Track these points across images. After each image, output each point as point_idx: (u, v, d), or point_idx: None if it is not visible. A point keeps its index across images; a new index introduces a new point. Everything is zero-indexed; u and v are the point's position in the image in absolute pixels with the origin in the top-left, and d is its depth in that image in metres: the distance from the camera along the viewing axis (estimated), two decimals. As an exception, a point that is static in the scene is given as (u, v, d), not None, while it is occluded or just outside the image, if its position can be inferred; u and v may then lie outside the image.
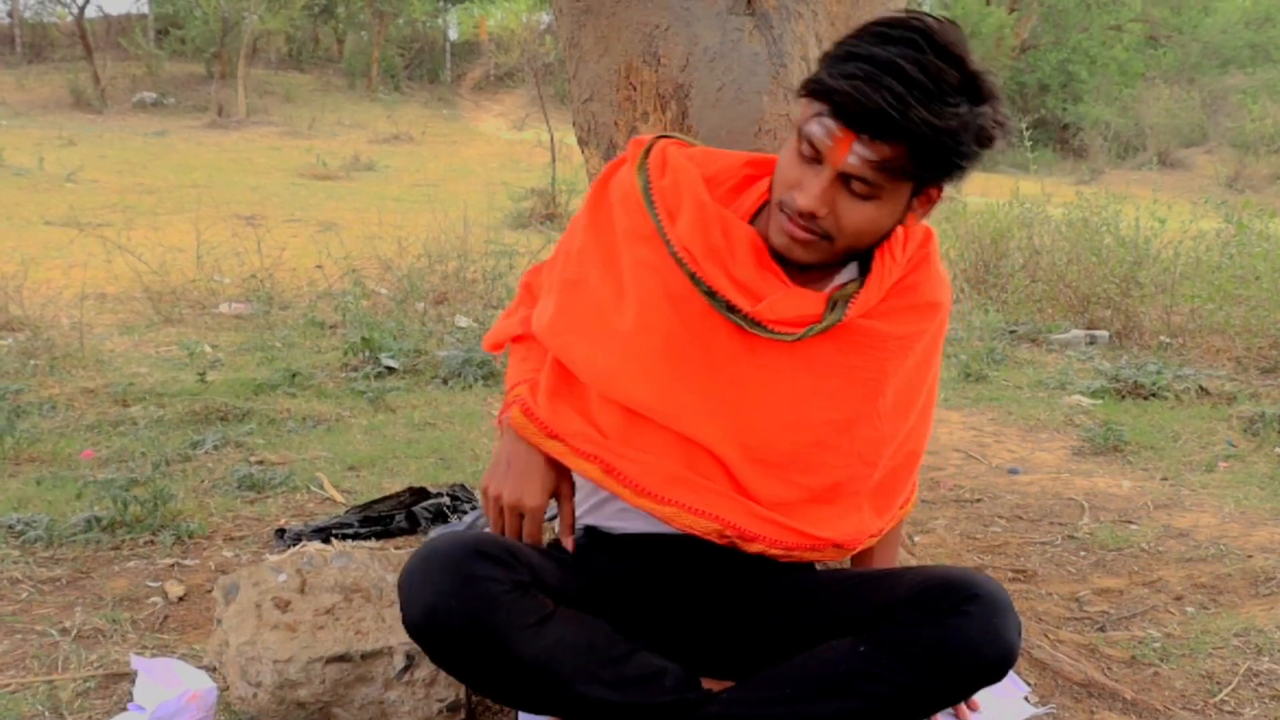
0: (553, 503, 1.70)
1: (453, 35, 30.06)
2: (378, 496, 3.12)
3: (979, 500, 3.42)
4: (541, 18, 21.32)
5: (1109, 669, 2.22)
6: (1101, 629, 2.45)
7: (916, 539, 2.91)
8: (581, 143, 2.32)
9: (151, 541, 2.81)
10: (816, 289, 1.65)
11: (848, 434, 1.68)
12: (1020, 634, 1.55)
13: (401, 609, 1.50)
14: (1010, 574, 2.78)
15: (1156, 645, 2.35)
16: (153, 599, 2.47)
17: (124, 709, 1.93)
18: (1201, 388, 4.89)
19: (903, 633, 1.54)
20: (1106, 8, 26.02)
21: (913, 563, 2.40)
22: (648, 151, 1.71)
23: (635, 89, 2.15)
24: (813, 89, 1.49)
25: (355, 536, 2.78)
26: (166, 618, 2.38)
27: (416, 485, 3.15)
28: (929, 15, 1.46)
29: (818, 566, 1.80)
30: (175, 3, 25.93)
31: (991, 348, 5.75)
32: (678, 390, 1.63)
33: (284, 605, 1.93)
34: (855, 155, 1.47)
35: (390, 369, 4.98)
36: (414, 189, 14.18)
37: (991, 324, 6.25)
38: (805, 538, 1.67)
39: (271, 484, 3.30)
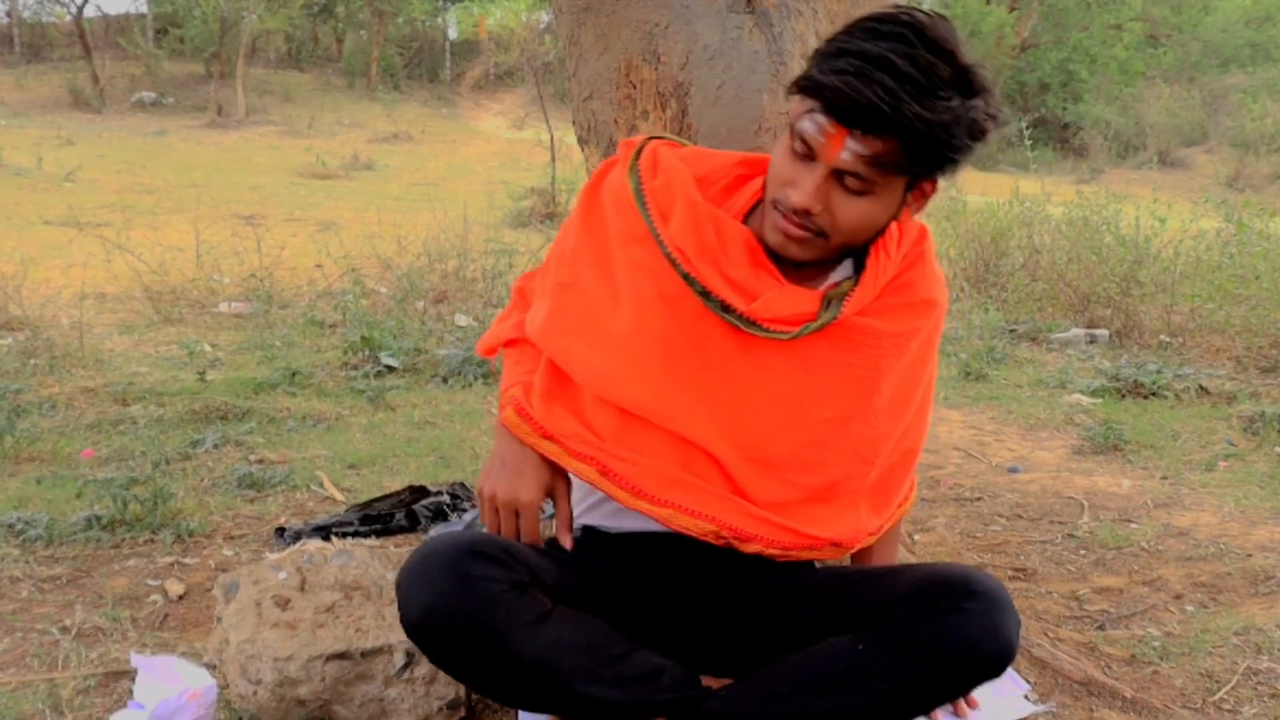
0: (549, 502, 1.70)
1: (452, 34, 30.06)
2: (378, 495, 3.12)
3: (979, 499, 3.42)
4: (541, 16, 21.32)
5: (1109, 667, 2.23)
6: (1101, 627, 2.46)
7: (916, 537, 2.91)
8: (581, 141, 2.32)
9: (151, 540, 2.81)
10: (811, 287, 1.65)
11: (844, 432, 1.68)
12: (1019, 631, 1.55)
13: (400, 610, 1.50)
14: (1010, 572, 2.78)
15: (1156, 644, 2.35)
16: (153, 597, 2.47)
17: (124, 707, 1.93)
18: (1201, 387, 4.89)
19: (902, 629, 1.54)
20: (1107, 7, 26.02)
21: (912, 561, 2.40)
22: (639, 153, 1.70)
23: (635, 87, 2.15)
24: (804, 86, 1.49)
25: (355, 535, 2.78)
26: (167, 616, 2.38)
27: (416, 484, 3.15)
28: (919, 10, 1.46)
29: (817, 564, 1.80)
30: (174, 2, 25.90)
31: (991, 346, 5.75)
32: (674, 391, 1.63)
33: (284, 603, 1.93)
34: (848, 151, 1.47)
35: (390, 368, 4.98)
36: (413, 188, 14.18)
37: (991, 323, 6.25)
38: (802, 537, 1.67)
39: (271, 482, 3.30)
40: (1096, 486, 3.56)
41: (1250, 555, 2.90)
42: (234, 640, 1.90)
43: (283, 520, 3.01)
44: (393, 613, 1.87)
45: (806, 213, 1.52)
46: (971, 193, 9.66)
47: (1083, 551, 2.96)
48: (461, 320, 6.15)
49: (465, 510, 2.98)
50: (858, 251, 1.66)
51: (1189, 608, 2.59)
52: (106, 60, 23.79)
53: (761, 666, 1.65)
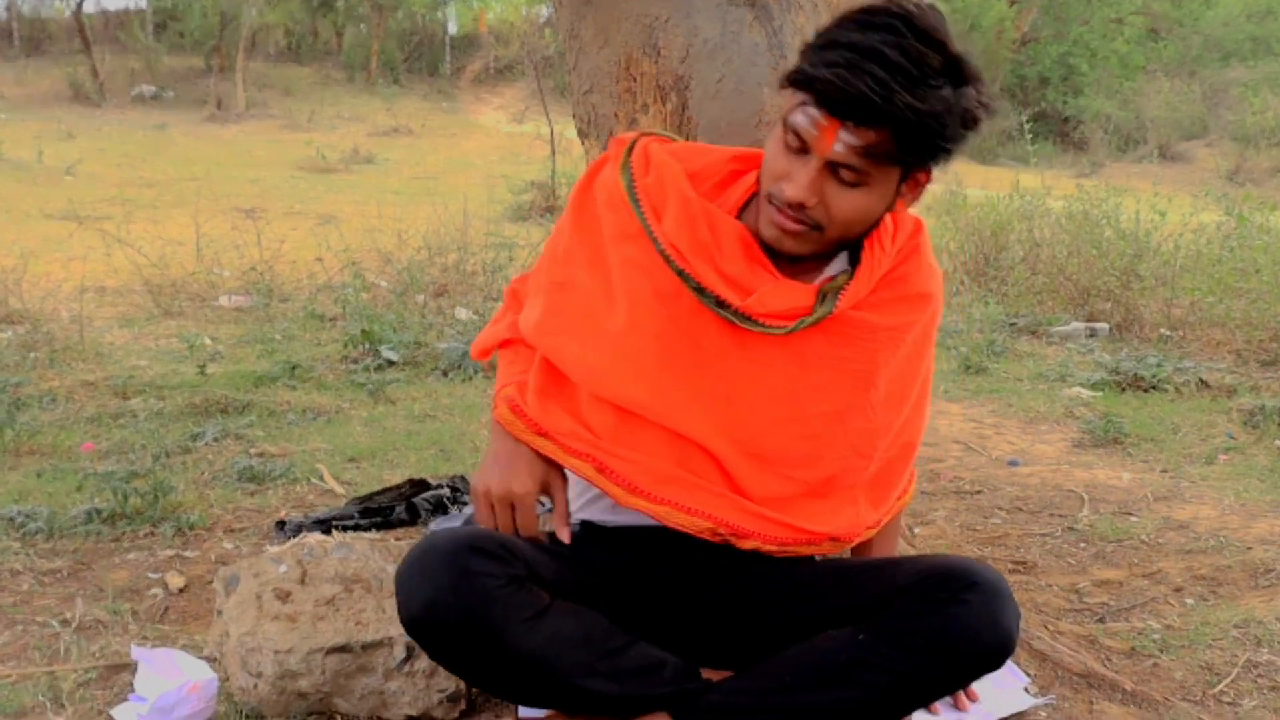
0: (547, 498, 1.70)
1: (452, 28, 29.99)
2: (378, 488, 3.12)
3: (979, 492, 3.42)
4: (541, 10, 21.31)
5: (1109, 660, 2.23)
6: (1101, 620, 2.46)
7: (916, 530, 2.91)
8: (581, 135, 2.32)
9: (152, 533, 2.81)
10: (806, 281, 1.64)
11: (840, 426, 1.68)
12: (1019, 622, 1.55)
13: (399, 606, 1.51)
14: (1010, 565, 2.78)
15: (1156, 637, 2.36)
16: (153, 590, 2.47)
17: (125, 700, 1.93)
18: (1201, 380, 4.89)
19: (902, 622, 1.55)
20: (1107, 1, 25.98)
21: (912, 554, 2.40)
22: (630, 150, 1.70)
23: (635, 81, 2.14)
24: (796, 79, 1.49)
25: (355, 528, 2.78)
26: (167, 609, 2.38)
27: (417, 477, 3.15)
28: (909, 1, 1.46)
29: (816, 558, 1.80)
30: (173, -4, 25.89)
31: (991, 340, 5.75)
32: (669, 387, 1.62)
33: (284, 596, 1.93)
34: (841, 143, 1.47)
35: (390, 361, 4.98)
36: (413, 182, 14.17)
37: (991, 316, 6.25)
38: (800, 533, 1.67)
39: (271, 476, 3.31)
40: (1096, 480, 3.56)
41: (1250, 548, 2.90)
42: (234, 633, 1.90)
43: (283, 513, 3.01)
44: (393, 606, 1.87)
45: (801, 206, 1.52)
46: (971, 186, 9.66)
47: (1083, 544, 2.96)
48: (462, 314, 6.15)
49: (465, 503, 2.98)
50: (853, 245, 1.65)
51: (1189, 600, 2.59)
52: (106, 54, 23.74)
53: (761, 660, 1.65)
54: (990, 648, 1.53)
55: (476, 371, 4.81)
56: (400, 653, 1.87)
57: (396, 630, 1.86)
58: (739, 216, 1.66)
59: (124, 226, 7.60)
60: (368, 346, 5.08)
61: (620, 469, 1.63)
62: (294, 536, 2.40)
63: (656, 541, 1.69)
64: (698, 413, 1.63)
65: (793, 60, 1.72)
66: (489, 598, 1.48)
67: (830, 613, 1.65)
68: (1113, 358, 5.28)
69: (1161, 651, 2.29)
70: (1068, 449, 3.99)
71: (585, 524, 1.74)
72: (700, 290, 1.60)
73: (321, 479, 3.34)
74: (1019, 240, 7.65)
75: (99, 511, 2.84)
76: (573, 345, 1.66)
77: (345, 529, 2.73)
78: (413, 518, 2.90)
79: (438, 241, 7.25)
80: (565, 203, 1.79)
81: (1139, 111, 22.63)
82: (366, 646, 1.87)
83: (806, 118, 1.48)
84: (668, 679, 1.62)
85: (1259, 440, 4.02)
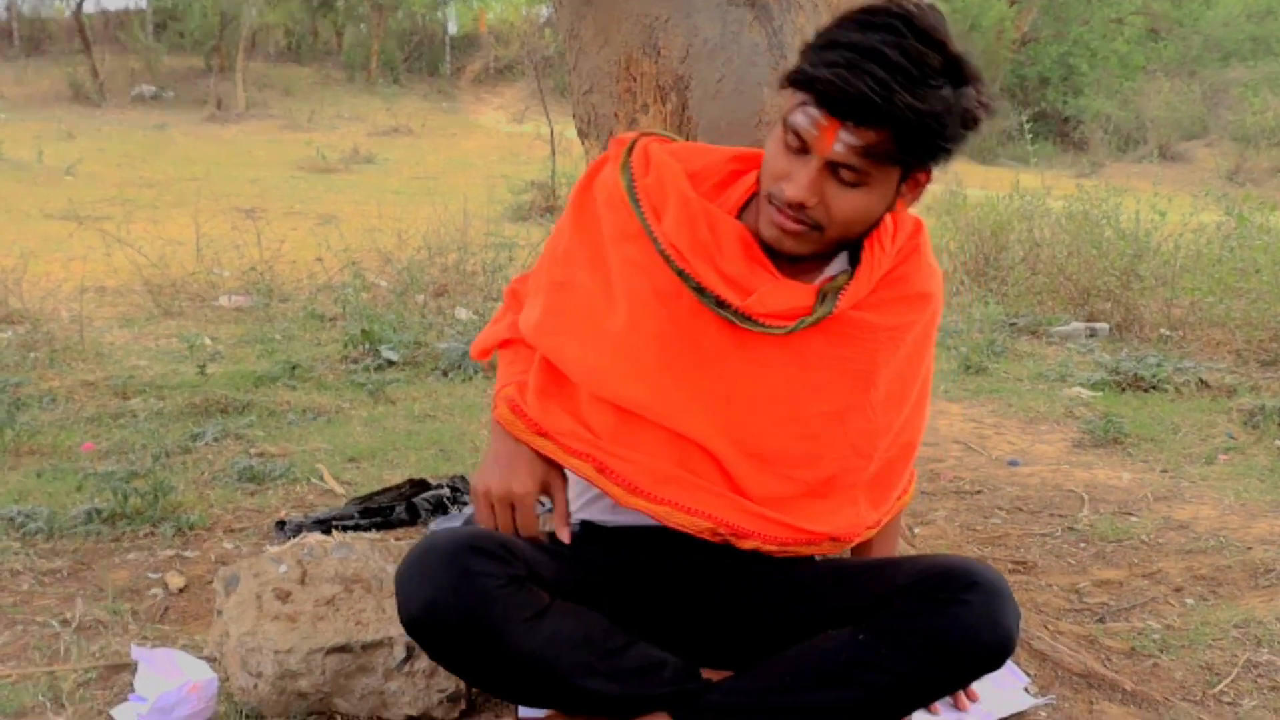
0: (547, 498, 1.69)
1: (452, 28, 29.98)
2: (378, 488, 3.12)
3: (979, 492, 3.42)
4: (541, 10, 21.30)
5: (1109, 660, 2.23)
6: (1101, 620, 2.46)
7: (916, 530, 2.91)
8: (582, 135, 2.32)
9: (152, 533, 2.81)
10: (806, 281, 1.64)
11: (840, 426, 1.68)
12: (1019, 622, 1.55)
13: (398, 607, 1.50)
14: (1010, 565, 2.78)
15: (1156, 637, 2.36)
16: (153, 590, 2.47)
17: (125, 700, 1.93)
18: (1201, 380, 4.89)
19: (902, 621, 1.54)
20: (1107, 1, 25.98)
21: (912, 554, 2.40)
22: (630, 150, 1.70)
23: (635, 80, 2.14)
24: (795, 79, 1.49)
25: (355, 528, 2.78)
26: (167, 609, 2.38)
27: (417, 477, 3.15)
28: (909, 1, 1.46)
29: (816, 558, 1.79)
30: (173, -4, 25.90)
31: (991, 340, 5.75)
32: (669, 387, 1.62)
33: (284, 596, 1.93)
34: (841, 143, 1.47)
35: (390, 361, 4.98)
36: (413, 182, 14.17)
37: (992, 316, 6.25)
38: (800, 533, 1.67)
39: (271, 476, 3.31)
40: (1096, 480, 3.56)
41: (1250, 548, 2.90)
42: (234, 633, 1.90)
43: (283, 513, 3.01)
44: (393, 606, 1.87)
45: (801, 206, 1.52)
46: (972, 186, 9.66)
47: (1083, 544, 2.96)
48: (462, 314, 6.15)
49: (465, 503, 2.98)
50: (853, 245, 1.65)
51: (1189, 600, 2.59)
52: (106, 54, 23.74)
53: (761, 660, 1.65)
54: (990, 648, 1.52)
55: (477, 371, 4.81)
56: (400, 653, 1.87)
57: (397, 630, 1.86)
58: (739, 216, 1.66)
59: (124, 226, 7.60)
60: (368, 346, 5.08)
61: (620, 469, 1.63)
62: (294, 536, 2.40)
63: (656, 541, 1.69)
64: (697, 412, 1.63)
65: (793, 60, 1.73)
66: (489, 598, 1.48)
67: (830, 613, 1.65)
68: (1113, 358, 5.28)
69: (1161, 651, 2.29)
70: (1068, 449, 3.99)
71: (585, 524, 1.74)
72: (700, 290, 1.60)
73: (321, 479, 3.34)
74: (1019, 240, 7.65)
75: (99, 511, 2.84)
76: (573, 345, 1.66)
77: (345, 529, 2.73)
78: (413, 518, 2.90)
79: (438, 241, 7.25)
80: (565, 203, 1.79)
81: (1139, 111, 22.63)
82: (366, 646, 1.87)
83: (806, 118, 1.48)
84: (668, 679, 1.62)
85: (1259, 440, 4.02)
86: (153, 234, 7.99)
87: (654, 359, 1.62)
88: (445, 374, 4.82)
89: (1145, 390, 4.80)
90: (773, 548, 1.66)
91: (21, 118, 19.22)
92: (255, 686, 1.86)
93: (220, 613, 1.99)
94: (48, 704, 1.93)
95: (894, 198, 1.57)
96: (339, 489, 3.26)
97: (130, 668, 2.02)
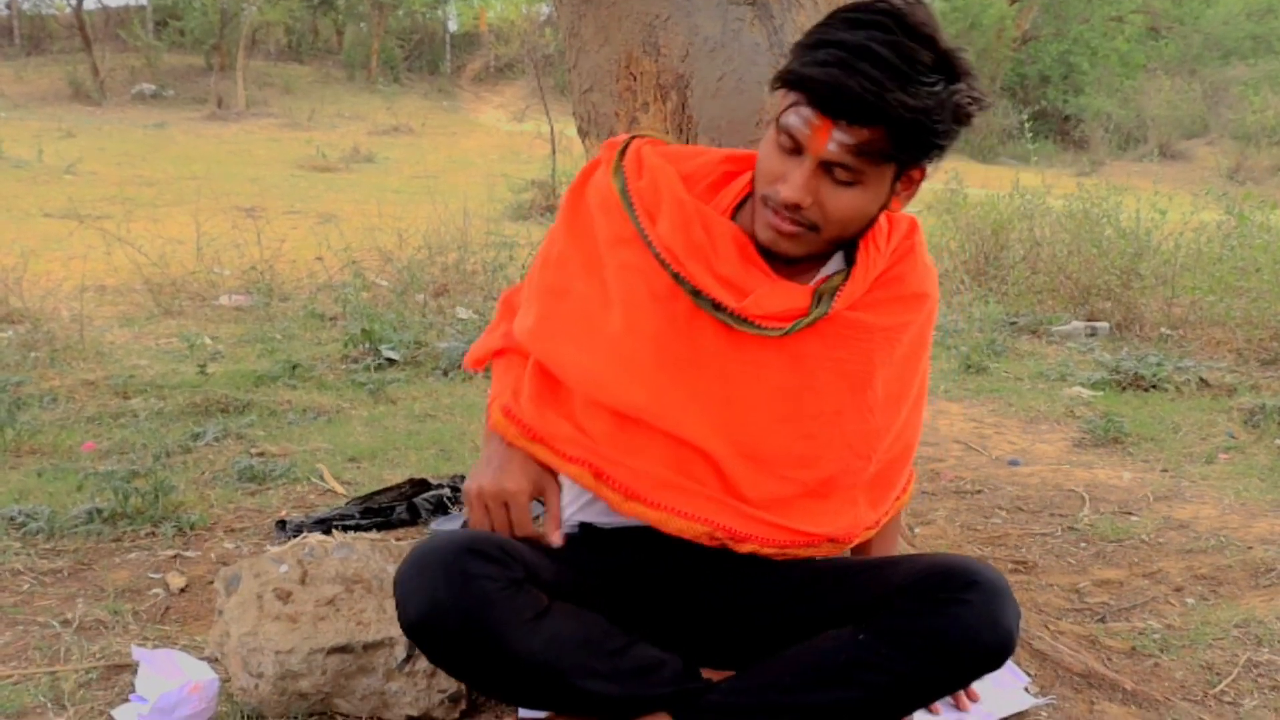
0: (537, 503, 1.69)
1: (452, 27, 30.02)
2: (378, 488, 3.12)
3: (979, 492, 3.42)
4: (541, 9, 21.29)
5: (1109, 660, 2.23)
6: (1102, 620, 2.46)
7: (917, 530, 2.91)
8: (582, 133, 2.32)
9: (153, 533, 2.81)
10: (802, 282, 1.64)
11: (837, 427, 1.67)
12: (1019, 621, 1.55)
13: (397, 610, 1.50)
14: (1010, 565, 2.78)
15: (1157, 636, 2.36)
16: (154, 590, 2.47)
17: (126, 700, 1.93)
18: (1202, 379, 4.89)
19: (902, 621, 1.54)
20: (1107, -1, 26.01)
21: (912, 553, 2.40)
22: (622, 153, 1.69)
23: (636, 79, 2.14)
24: (787, 80, 1.49)
25: (356, 528, 2.78)
26: (168, 609, 2.38)
27: (417, 476, 3.15)
28: None
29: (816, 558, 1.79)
30: (174, -6, 25.91)
31: (992, 339, 5.75)
32: (667, 390, 1.62)
33: (285, 596, 1.93)
34: (835, 142, 1.47)
35: (391, 360, 4.98)
36: (414, 181, 14.17)
37: (992, 315, 6.25)
38: (799, 534, 1.67)
39: (272, 475, 3.31)
40: (1097, 479, 3.56)
41: (1251, 548, 2.90)
42: (235, 633, 1.90)
43: (283, 513, 3.01)
44: (394, 606, 1.87)
45: (797, 207, 1.52)
46: (972, 185, 9.65)
47: (1083, 544, 2.96)
48: (462, 313, 6.15)
49: (466, 503, 2.98)
50: (848, 245, 1.65)
51: (1189, 600, 2.59)
52: (106, 52, 23.76)
53: (761, 659, 1.65)
54: (991, 647, 1.52)
55: (477, 371, 4.81)
56: (401, 653, 1.87)
57: (397, 631, 1.86)
58: (733, 217, 1.66)
59: (124, 225, 7.59)
60: (368, 346, 5.08)
61: (618, 475, 1.62)
62: (295, 536, 2.40)
63: (655, 543, 1.69)
64: (695, 414, 1.63)
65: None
66: (488, 600, 1.47)
67: (830, 612, 1.64)
68: (1113, 357, 5.28)
69: (1162, 651, 2.29)
70: (1068, 448, 3.99)
71: (584, 526, 1.74)
72: (696, 293, 1.60)
73: (322, 479, 3.34)
74: (1019, 239, 7.65)
75: (100, 511, 2.84)
76: (569, 351, 1.65)
77: (346, 529, 2.73)
78: (413, 518, 2.90)
79: (438, 240, 7.25)
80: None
81: (1139, 110, 22.65)
82: (367, 647, 1.87)
83: (799, 118, 1.48)
84: (668, 679, 1.61)
85: (1259, 439, 4.02)
86: (153, 233, 7.99)
87: (651, 362, 1.61)
88: (446, 373, 4.82)
89: (1146, 389, 4.80)
90: (771, 550, 1.66)
91: (22, 116, 19.24)
92: (256, 687, 1.86)
93: (221, 613, 1.99)
94: (48, 704, 1.93)
95: (889, 196, 1.57)
96: (340, 489, 3.26)
97: (131, 668, 2.02)
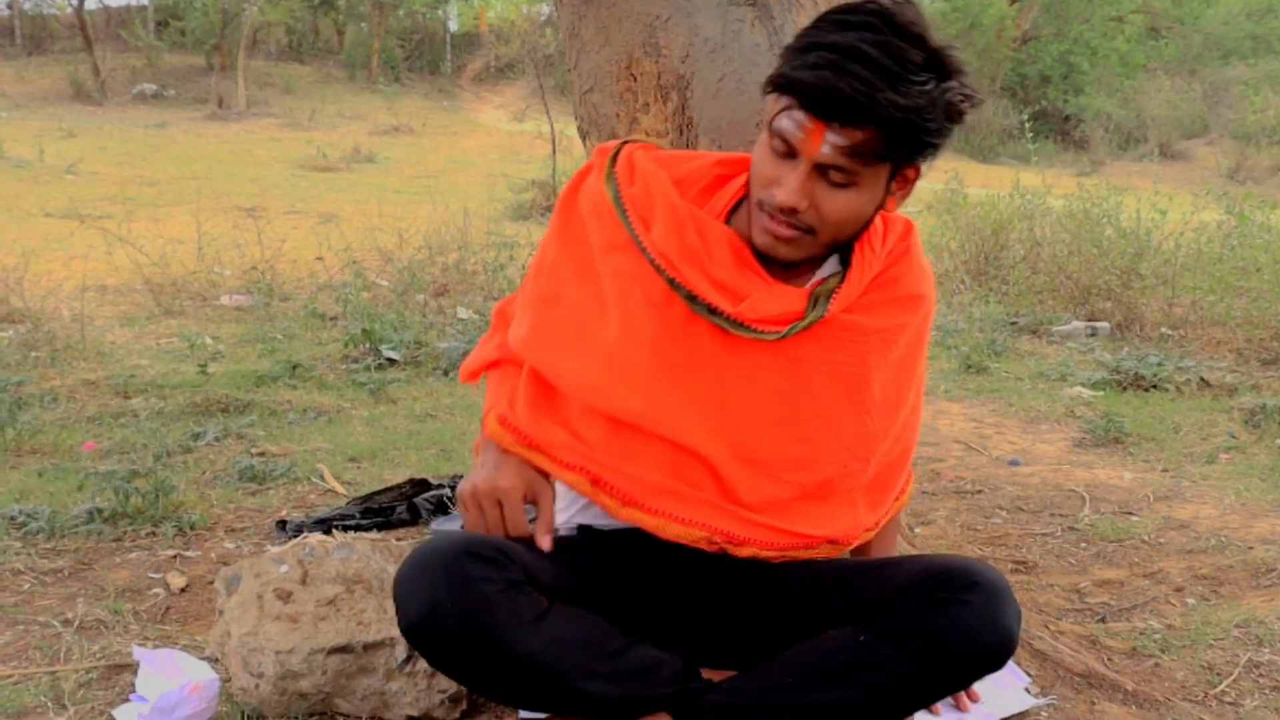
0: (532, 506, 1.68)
1: (453, 27, 30.02)
2: (379, 488, 3.12)
3: (980, 492, 3.42)
4: (541, 9, 21.29)
5: (1110, 660, 2.23)
6: (1102, 620, 2.46)
7: (917, 530, 2.91)
8: (582, 134, 2.32)
9: (153, 533, 2.81)
10: (797, 285, 1.64)
11: (834, 429, 1.67)
12: (1020, 622, 1.55)
13: (397, 614, 1.50)
14: (1011, 565, 2.78)
15: (1157, 636, 2.36)
16: (155, 590, 2.47)
17: (126, 700, 1.93)
18: (1202, 379, 4.89)
19: (902, 622, 1.54)
20: (1108, -1, 26.01)
21: (912, 554, 2.40)
22: (614, 159, 1.69)
23: (636, 80, 2.14)
24: (778, 83, 1.49)
25: (357, 528, 2.78)
26: (168, 609, 2.38)
27: (418, 476, 3.15)
28: None
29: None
30: (175, -6, 25.92)
31: (992, 339, 5.75)
32: (664, 396, 1.62)
33: (286, 596, 1.93)
34: (828, 144, 1.47)
35: (391, 360, 4.98)
36: (414, 181, 14.17)
37: (992, 315, 6.25)
38: (798, 537, 1.67)
39: (273, 475, 3.31)
40: (1097, 479, 3.56)
41: (1251, 548, 2.90)
42: (236, 633, 1.90)
43: (284, 513, 3.01)
44: (394, 606, 1.88)
45: (793, 210, 1.51)
46: (972, 185, 9.65)
47: (1083, 544, 2.96)
48: (463, 313, 6.15)
49: (466, 503, 2.98)
50: (844, 247, 1.65)
51: (1190, 600, 2.59)
52: (107, 52, 23.77)
53: (762, 660, 1.65)
54: (991, 648, 1.52)
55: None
56: (401, 653, 1.87)
57: (398, 631, 1.86)
58: (727, 221, 1.66)
59: (125, 225, 7.60)
60: (369, 346, 5.09)
61: (615, 481, 1.62)
62: (295, 536, 2.40)
63: (654, 545, 1.68)
64: (691, 418, 1.63)
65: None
66: (487, 602, 1.47)
67: (830, 613, 1.64)
68: (1113, 357, 5.28)
69: (1163, 651, 2.29)
70: (1069, 448, 3.99)
71: (583, 528, 1.74)
72: (692, 298, 1.60)
73: (322, 479, 3.34)
74: (1020, 239, 7.65)
75: (100, 511, 2.84)
76: (564, 358, 1.65)
77: (346, 529, 2.73)
78: (414, 518, 2.90)
79: (438, 240, 7.26)
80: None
81: (1140, 110, 22.65)
82: (368, 647, 1.87)
83: (792, 121, 1.48)
84: (668, 679, 1.61)
85: (1260, 439, 4.02)
86: (154, 233, 7.99)
87: (647, 368, 1.61)
88: (446, 373, 4.82)
89: (1146, 389, 4.80)
90: (772, 553, 1.66)
91: (23, 116, 19.24)
92: (256, 687, 1.86)
93: (221, 613, 1.99)
94: (49, 704, 1.94)
95: (884, 196, 1.57)
96: (340, 489, 3.26)
97: (132, 668, 2.03)
